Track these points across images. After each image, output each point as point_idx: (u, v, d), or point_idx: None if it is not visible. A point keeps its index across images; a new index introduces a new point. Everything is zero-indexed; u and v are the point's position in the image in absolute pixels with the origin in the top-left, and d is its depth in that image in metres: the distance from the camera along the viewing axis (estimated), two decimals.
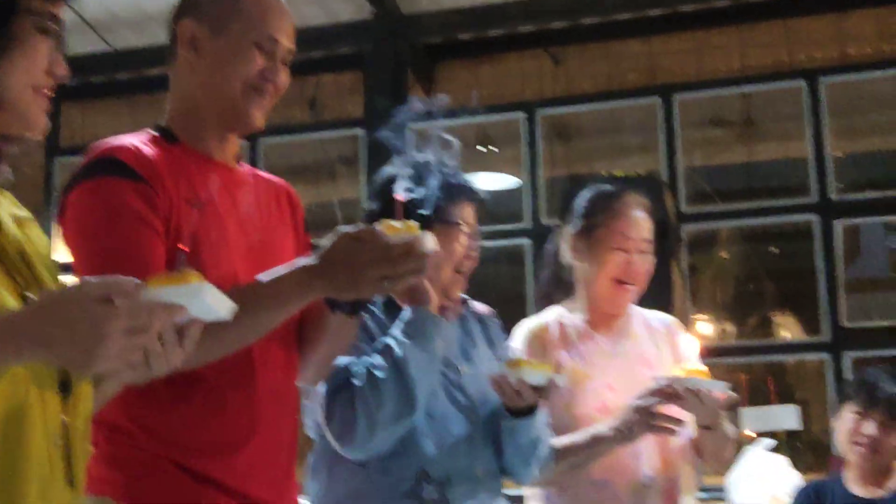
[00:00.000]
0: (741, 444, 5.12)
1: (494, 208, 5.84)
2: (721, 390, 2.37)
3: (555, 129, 6.18)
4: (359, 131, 5.57)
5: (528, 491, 2.56)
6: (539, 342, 2.57)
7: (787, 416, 4.94)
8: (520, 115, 5.51)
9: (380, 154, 2.29)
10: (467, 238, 2.19)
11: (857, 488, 3.16)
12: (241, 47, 1.85)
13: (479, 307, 2.38)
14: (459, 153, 2.19)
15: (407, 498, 2.07)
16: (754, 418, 4.98)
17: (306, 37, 2.08)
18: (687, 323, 4.78)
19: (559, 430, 2.44)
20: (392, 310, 2.17)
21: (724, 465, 2.63)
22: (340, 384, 2.05)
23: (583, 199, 2.64)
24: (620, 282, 2.56)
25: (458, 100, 6.32)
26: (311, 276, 1.67)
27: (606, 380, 2.51)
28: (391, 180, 2.17)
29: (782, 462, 4.52)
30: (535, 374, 2.07)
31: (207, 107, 1.87)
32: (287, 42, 1.90)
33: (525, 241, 5.51)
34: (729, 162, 6.28)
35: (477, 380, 2.21)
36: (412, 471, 2.08)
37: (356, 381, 2.03)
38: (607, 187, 2.65)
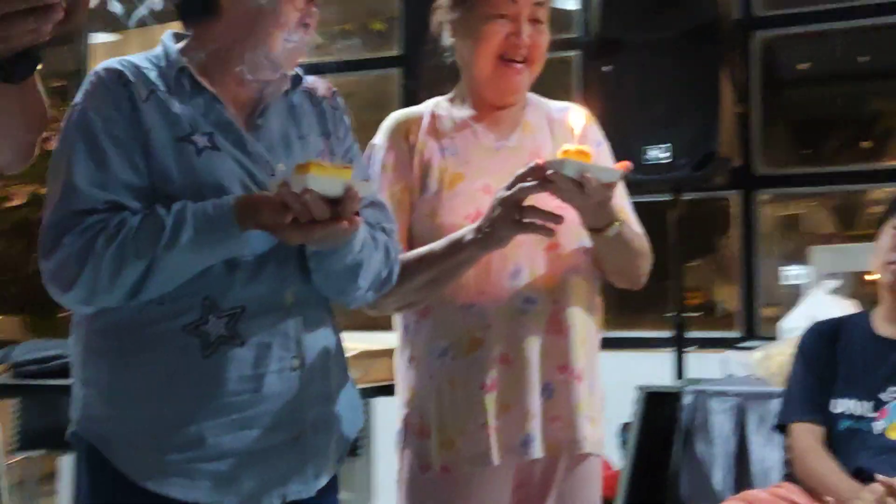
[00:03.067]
0: (806, 285, 4.51)
1: None
2: (610, 178, 1.84)
3: None
4: None
5: (397, 317, 2.12)
6: (402, 133, 2.08)
7: (863, 256, 4.26)
8: None
9: None
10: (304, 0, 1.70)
11: (883, 327, 2.65)
12: None
13: (318, 85, 1.85)
14: None
15: (187, 333, 1.60)
16: (826, 258, 4.33)
17: None
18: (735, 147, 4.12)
19: (423, 243, 1.99)
20: (187, 85, 1.68)
21: (632, 281, 2.10)
22: (81, 212, 1.58)
23: None
24: (506, 60, 2.02)
25: None
26: None
27: (484, 180, 2.00)
28: None
29: (848, 307, 3.92)
30: (325, 182, 1.52)
31: None
32: None
33: None
34: None
35: None
36: (196, 299, 1.61)
37: (99, 241, 1.55)
38: None
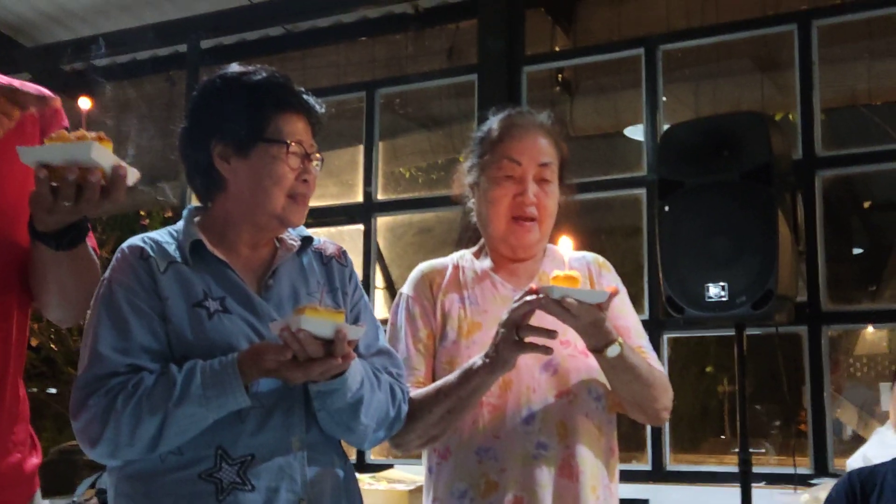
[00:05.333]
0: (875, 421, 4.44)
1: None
2: (598, 299, 1.94)
3: None
4: None
5: (424, 460, 2.26)
6: (426, 285, 2.25)
7: None
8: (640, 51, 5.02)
9: None
10: (298, 158, 1.91)
11: None
12: None
13: (327, 246, 2.06)
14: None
15: (202, 480, 1.77)
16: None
17: None
18: (794, 284, 4.17)
19: None
20: (202, 255, 1.88)
21: (649, 414, 2.17)
22: (104, 376, 1.75)
23: (482, 125, 2.29)
24: (517, 218, 2.19)
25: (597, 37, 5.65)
26: None
27: None
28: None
29: None
30: (317, 323, 1.69)
31: None
32: None
33: None
34: None
35: None
36: (210, 449, 1.78)
37: (119, 400, 1.72)
38: (508, 111, 2.28)
